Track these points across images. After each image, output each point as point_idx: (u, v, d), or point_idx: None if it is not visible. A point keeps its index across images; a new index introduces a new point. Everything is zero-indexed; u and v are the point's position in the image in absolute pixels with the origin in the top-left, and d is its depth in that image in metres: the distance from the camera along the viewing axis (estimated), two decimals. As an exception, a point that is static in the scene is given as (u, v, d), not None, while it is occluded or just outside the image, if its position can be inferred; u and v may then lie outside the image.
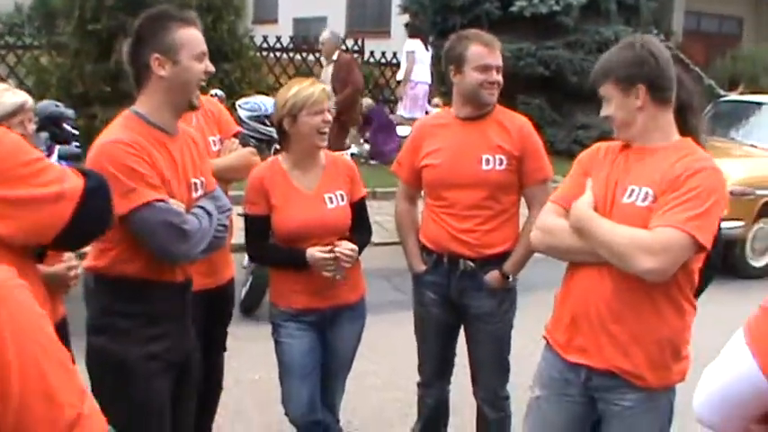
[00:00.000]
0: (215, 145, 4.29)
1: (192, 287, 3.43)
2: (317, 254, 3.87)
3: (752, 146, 10.66)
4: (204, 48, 3.25)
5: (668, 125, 3.17)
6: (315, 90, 3.92)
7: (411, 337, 4.61)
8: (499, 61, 4.14)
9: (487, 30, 12.93)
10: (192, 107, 3.31)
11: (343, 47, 14.90)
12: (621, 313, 3.09)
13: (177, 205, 3.15)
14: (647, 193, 3.06)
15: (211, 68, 3.27)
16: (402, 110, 14.68)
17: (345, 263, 3.91)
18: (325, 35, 12.51)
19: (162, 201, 3.08)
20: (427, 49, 14.48)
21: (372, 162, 14.16)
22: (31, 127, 3.93)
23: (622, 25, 16.89)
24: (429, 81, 14.55)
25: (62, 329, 3.34)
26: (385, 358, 6.28)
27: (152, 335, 3.20)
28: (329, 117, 3.95)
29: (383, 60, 20.26)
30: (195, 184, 3.33)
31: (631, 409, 3.17)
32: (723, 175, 3.10)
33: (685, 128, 3.31)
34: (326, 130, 3.95)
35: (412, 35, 14.89)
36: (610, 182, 3.17)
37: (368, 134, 14.59)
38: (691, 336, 3.25)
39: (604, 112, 3.21)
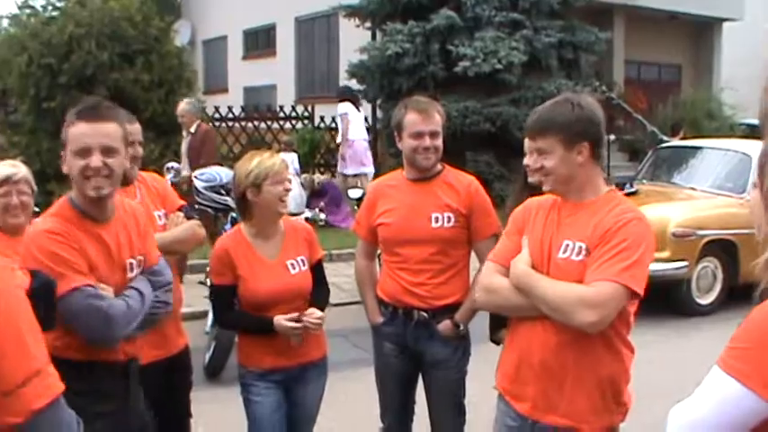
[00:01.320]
0: (161, 219, 4.42)
1: (136, 366, 3.46)
2: (284, 323, 4.09)
3: (692, 188, 11.04)
4: (86, 143, 3.21)
5: (599, 179, 3.34)
6: (276, 161, 4.19)
7: (370, 390, 4.80)
8: (434, 127, 4.37)
9: (433, 90, 13.27)
10: (91, 199, 3.28)
11: (204, 117, 15.18)
12: (564, 362, 3.21)
13: (105, 290, 3.22)
14: (581, 247, 3.18)
15: (94, 164, 3.20)
16: (343, 168, 15.24)
17: (313, 331, 4.18)
18: (183, 106, 12.14)
19: (90, 286, 3.16)
20: (358, 109, 15.13)
21: (327, 225, 14.46)
22: (17, 199, 4.11)
23: (564, 79, 17.40)
24: (366, 137, 15.16)
25: None
26: (345, 413, 6.41)
27: (98, 412, 3.13)
28: (289, 186, 4.23)
29: (333, 125, 20.57)
30: (131, 264, 3.39)
31: None
32: (649, 222, 3.25)
33: None
34: (287, 198, 4.22)
35: (342, 99, 15.38)
36: (545, 238, 3.30)
37: (321, 204, 14.97)
38: (630, 377, 3.37)
39: (535, 162, 3.32)
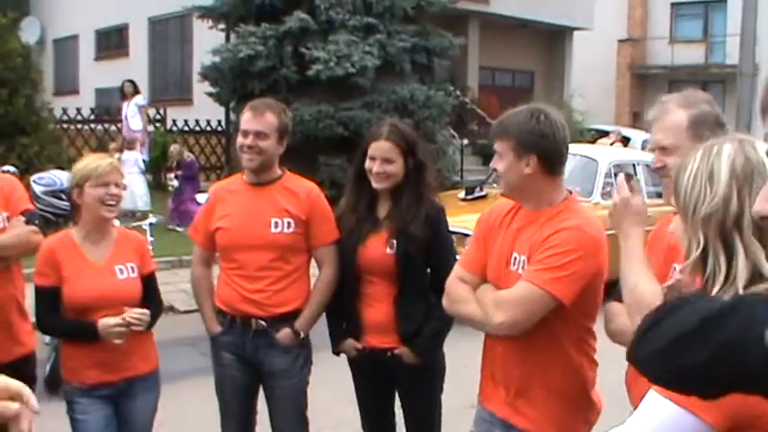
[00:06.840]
0: (2, 222, 4.26)
1: None
2: (108, 321, 3.94)
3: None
4: None
5: (556, 192, 3.36)
6: (102, 163, 4.07)
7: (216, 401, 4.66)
8: (259, 127, 4.24)
9: (286, 94, 13.16)
10: None
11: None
12: (522, 370, 3.34)
13: None
14: (524, 260, 3.26)
15: None
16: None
17: (137, 327, 3.99)
18: None
19: None
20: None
21: (179, 229, 14.05)
22: None
23: (417, 83, 17.49)
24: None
25: None
26: (191, 423, 6.29)
27: None
28: (115, 190, 4.06)
29: (186, 128, 20.24)
30: None
31: None
32: (591, 232, 3.25)
33: (424, 185, 3.96)
34: (113, 202, 4.06)
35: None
36: (503, 249, 3.37)
37: (174, 178, 15.03)
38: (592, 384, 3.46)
39: (494, 163, 3.40)
